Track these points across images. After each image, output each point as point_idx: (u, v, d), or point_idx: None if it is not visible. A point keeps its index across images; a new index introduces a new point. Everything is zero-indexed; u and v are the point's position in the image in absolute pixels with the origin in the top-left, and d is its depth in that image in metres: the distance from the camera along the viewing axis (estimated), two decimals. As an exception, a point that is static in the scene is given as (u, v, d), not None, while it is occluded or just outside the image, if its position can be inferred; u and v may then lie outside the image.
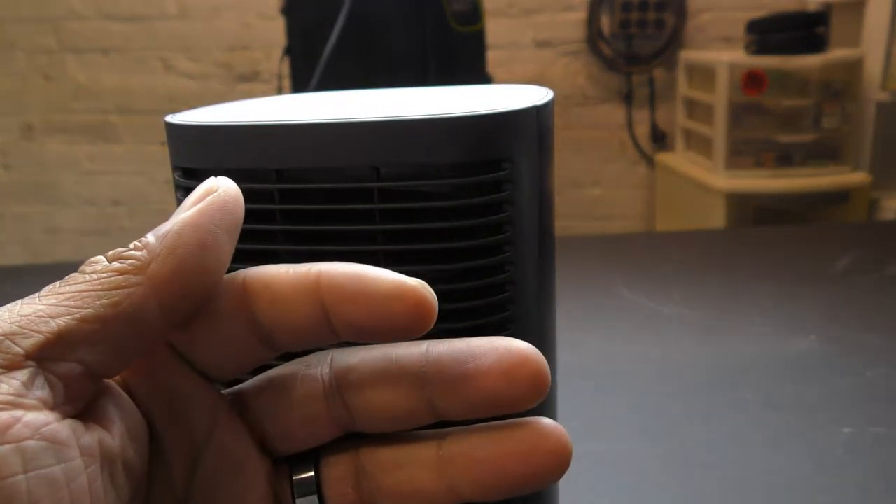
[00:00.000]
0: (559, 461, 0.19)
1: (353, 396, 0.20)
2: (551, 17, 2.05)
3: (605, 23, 2.04)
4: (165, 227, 0.18)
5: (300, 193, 0.25)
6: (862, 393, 0.54)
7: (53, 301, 0.17)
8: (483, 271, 0.25)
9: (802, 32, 1.68)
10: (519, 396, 0.18)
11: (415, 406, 0.19)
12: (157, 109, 2.12)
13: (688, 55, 1.95)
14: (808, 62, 1.66)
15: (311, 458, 0.21)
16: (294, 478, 0.20)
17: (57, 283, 0.17)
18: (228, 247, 0.18)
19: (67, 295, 0.17)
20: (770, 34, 1.69)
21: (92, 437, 0.16)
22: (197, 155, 0.26)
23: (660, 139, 2.11)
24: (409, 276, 0.26)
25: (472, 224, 0.25)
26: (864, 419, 0.50)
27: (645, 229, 2.17)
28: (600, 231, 2.18)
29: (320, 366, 0.20)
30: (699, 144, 1.88)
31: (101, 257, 0.18)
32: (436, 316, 0.19)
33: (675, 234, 1.02)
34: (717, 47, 2.03)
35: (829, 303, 0.70)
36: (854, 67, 1.69)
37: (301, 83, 1.15)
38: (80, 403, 0.17)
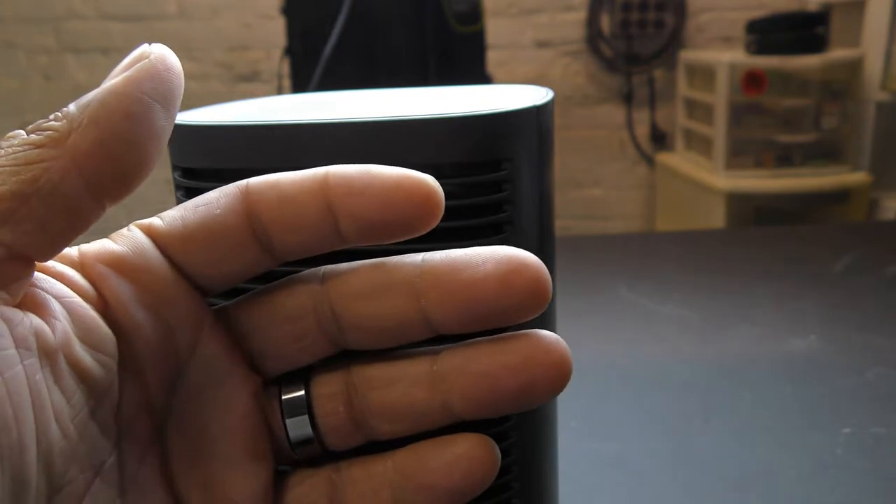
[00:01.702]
0: (557, 374, 0.18)
1: (345, 309, 0.19)
2: (551, 17, 2.05)
3: (605, 23, 2.04)
4: (89, 96, 0.17)
5: (300, 193, 0.25)
6: (862, 393, 0.54)
7: None
8: (483, 271, 0.25)
9: (802, 32, 1.69)
10: (517, 305, 0.17)
11: (409, 318, 0.18)
12: (157, 109, 2.12)
13: (688, 55, 1.95)
14: (808, 62, 1.66)
15: (302, 376, 0.20)
16: (283, 396, 0.20)
17: None
18: (163, 118, 0.17)
19: None
20: (770, 34, 1.69)
21: (26, 328, 0.15)
22: (197, 155, 0.26)
23: (660, 139, 2.11)
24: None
25: (472, 224, 0.25)
26: (864, 419, 0.50)
27: (645, 229, 2.17)
28: (600, 231, 2.18)
29: (311, 279, 0.20)
30: (699, 144, 1.88)
31: (20, 130, 0.16)
32: (442, 209, 0.18)
33: (675, 234, 1.02)
34: (717, 47, 2.03)
35: (829, 303, 0.70)
36: (854, 67, 1.69)
37: (301, 83, 1.15)
38: (14, 290, 0.16)
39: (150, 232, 0.19)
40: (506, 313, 0.18)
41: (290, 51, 1.18)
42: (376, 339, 0.19)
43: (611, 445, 0.49)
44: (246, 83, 2.11)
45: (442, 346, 0.19)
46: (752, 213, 1.72)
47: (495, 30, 1.93)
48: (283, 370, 0.20)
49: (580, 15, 2.04)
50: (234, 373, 0.19)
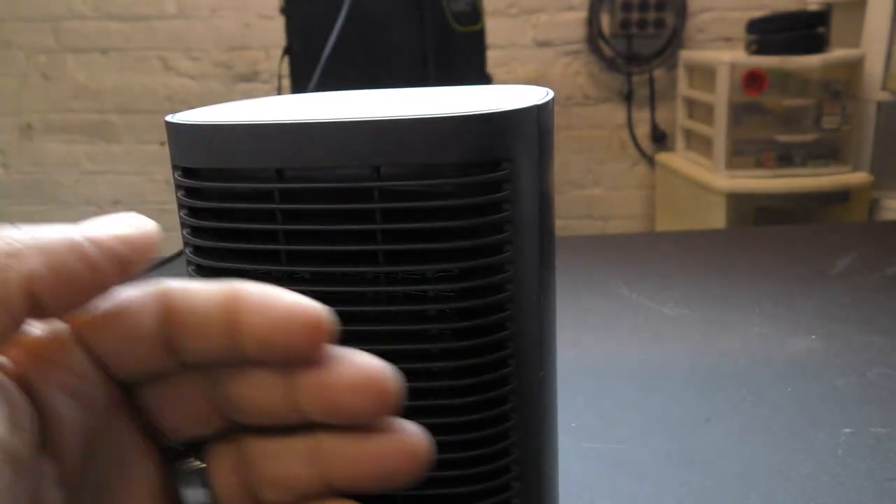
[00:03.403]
0: (409, 463, 0.20)
1: (234, 395, 0.20)
2: (551, 17, 2.05)
3: (605, 23, 2.04)
4: (66, 228, 0.18)
5: (300, 193, 0.25)
6: (862, 393, 0.54)
7: None
8: (483, 271, 0.25)
9: (802, 32, 1.68)
10: (368, 409, 0.19)
11: (287, 408, 0.20)
12: (157, 109, 2.13)
13: (688, 55, 1.95)
14: (808, 62, 1.66)
15: (198, 448, 0.21)
16: (181, 468, 0.21)
17: None
18: (115, 279, 0.19)
19: None
20: (770, 34, 1.69)
21: None
22: (197, 155, 0.26)
23: (660, 139, 2.11)
24: (408, 276, 0.26)
25: (472, 224, 0.25)
26: (864, 419, 0.50)
27: (645, 229, 2.17)
28: (600, 231, 2.18)
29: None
30: (699, 144, 1.88)
31: None
32: (328, 340, 0.20)
33: (675, 234, 1.02)
34: (717, 47, 2.03)
35: (829, 303, 0.70)
36: (854, 67, 1.69)
37: (301, 83, 1.14)
38: None
39: (68, 317, 0.20)
40: (359, 415, 0.20)
41: (289, 50, 1.18)
42: (263, 420, 0.21)
43: (611, 445, 0.49)
44: (245, 83, 2.11)
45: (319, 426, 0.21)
46: (753, 213, 1.72)
47: (495, 30, 1.93)
48: (181, 442, 0.21)
49: (580, 15, 2.04)
50: (140, 448, 0.21)
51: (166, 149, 0.27)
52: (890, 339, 0.62)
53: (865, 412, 0.51)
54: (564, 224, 2.14)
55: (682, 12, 2.01)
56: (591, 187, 2.17)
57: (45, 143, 2.20)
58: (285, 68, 1.20)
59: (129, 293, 0.20)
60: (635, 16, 2.01)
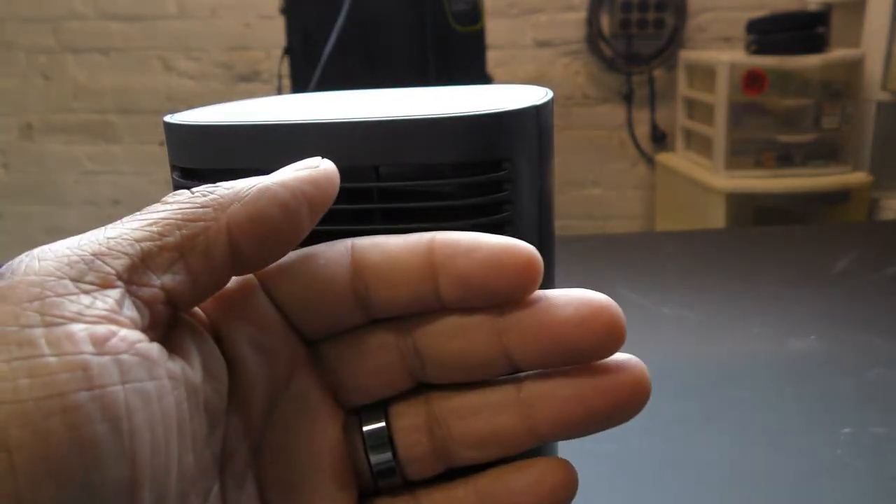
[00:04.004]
0: (641, 394, 0.19)
1: (428, 346, 0.20)
2: (551, 17, 2.05)
3: (605, 23, 2.04)
4: (257, 178, 0.18)
5: (300, 193, 0.25)
6: (862, 393, 0.54)
7: (137, 226, 0.17)
8: (483, 271, 0.25)
9: (802, 32, 1.69)
10: (595, 345, 0.18)
11: (491, 356, 0.19)
12: (157, 109, 2.13)
13: (688, 55, 1.95)
14: (808, 62, 1.66)
15: (381, 408, 0.21)
16: (365, 428, 0.21)
17: (138, 212, 0.18)
18: (308, 220, 0.19)
19: (150, 221, 0.17)
20: (770, 34, 1.69)
21: (175, 364, 0.17)
22: (196, 155, 0.26)
23: (660, 139, 2.11)
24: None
25: (472, 224, 0.25)
26: (864, 419, 0.50)
27: (645, 229, 2.17)
28: (600, 231, 2.18)
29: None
30: (699, 144, 1.88)
31: (186, 189, 0.18)
32: (541, 278, 0.19)
33: (675, 234, 1.02)
34: (717, 47, 2.03)
35: (829, 303, 0.70)
36: (854, 67, 1.69)
37: (301, 83, 1.15)
38: (161, 331, 0.17)
39: (259, 272, 0.20)
40: (584, 352, 0.19)
41: (289, 50, 1.18)
42: (458, 374, 0.20)
43: (610, 446, 0.49)
44: (246, 83, 2.11)
45: (523, 375, 0.20)
46: (752, 213, 1.72)
47: (495, 30, 1.93)
48: (364, 402, 0.21)
49: (580, 15, 2.04)
50: (322, 406, 0.20)
51: (166, 149, 0.27)
52: (890, 339, 0.62)
53: (865, 412, 0.51)
54: (564, 224, 2.14)
55: (682, 12, 2.01)
56: (591, 187, 2.17)
57: (45, 143, 2.20)
58: (285, 68, 1.20)
59: (317, 249, 0.20)
60: (635, 16, 2.01)
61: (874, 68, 1.71)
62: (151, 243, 0.17)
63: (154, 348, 0.16)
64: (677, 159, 1.98)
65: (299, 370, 0.20)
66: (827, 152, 1.72)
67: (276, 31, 1.71)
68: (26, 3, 2.09)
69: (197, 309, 0.19)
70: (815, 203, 1.75)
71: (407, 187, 0.25)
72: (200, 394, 0.17)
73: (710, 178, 1.74)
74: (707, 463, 0.46)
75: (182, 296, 0.17)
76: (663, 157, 2.05)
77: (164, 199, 0.18)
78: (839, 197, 1.71)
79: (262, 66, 2.10)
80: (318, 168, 0.19)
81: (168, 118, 0.27)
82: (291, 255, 0.20)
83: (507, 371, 0.20)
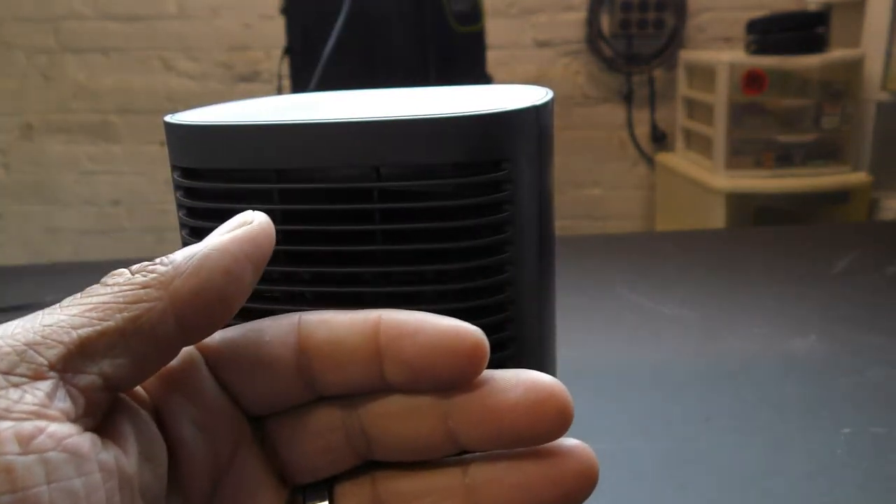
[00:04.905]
0: (588, 481, 0.19)
1: (375, 427, 0.20)
2: (551, 17, 2.05)
3: (605, 23, 2.04)
4: (195, 247, 0.18)
5: (300, 193, 0.25)
6: (862, 393, 0.54)
7: (75, 311, 0.17)
8: (483, 271, 0.25)
9: (802, 32, 1.68)
10: (544, 432, 0.18)
11: (437, 437, 0.19)
12: (157, 109, 2.12)
13: (688, 55, 1.95)
14: (808, 62, 1.66)
15: (325, 486, 0.20)
16: None
17: (78, 294, 0.17)
18: (251, 279, 0.18)
19: (89, 306, 0.17)
20: (770, 34, 1.69)
21: (109, 453, 0.16)
22: (196, 155, 0.26)
23: (660, 139, 2.11)
24: (408, 275, 0.26)
25: (472, 224, 0.25)
26: (864, 419, 0.50)
27: (645, 229, 2.17)
28: (600, 231, 2.18)
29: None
30: (699, 144, 1.88)
31: (125, 270, 0.18)
32: (487, 360, 0.18)
33: (675, 234, 1.02)
34: (717, 47, 2.03)
35: (829, 303, 0.70)
36: (854, 67, 1.69)
37: (301, 83, 1.15)
38: (98, 417, 0.17)
39: (203, 349, 0.20)
40: (531, 438, 0.18)
41: (289, 51, 1.18)
42: (404, 455, 0.20)
43: (611, 445, 0.49)
44: (246, 83, 2.11)
45: (469, 457, 0.20)
46: (752, 213, 1.72)
47: (495, 30, 1.93)
48: (309, 481, 0.21)
49: (580, 15, 2.04)
50: (266, 484, 0.20)
51: (166, 149, 0.27)
52: (890, 339, 0.62)
53: (865, 412, 0.51)
54: (564, 224, 2.14)
55: (681, 12, 2.01)
56: (591, 187, 2.17)
57: (45, 143, 2.19)
58: (285, 68, 1.20)
59: (263, 324, 0.20)
60: (635, 16, 2.01)
61: (874, 68, 1.70)
62: (90, 329, 0.16)
63: (85, 441, 0.16)
64: (677, 159, 1.98)
65: (243, 448, 0.20)
66: (827, 152, 1.72)
67: (276, 31, 1.71)
68: (26, 3, 2.09)
69: (138, 387, 0.19)
70: (815, 203, 1.75)
71: (407, 187, 0.25)
72: (136, 481, 0.17)
73: (710, 178, 1.74)
74: (707, 463, 0.46)
75: (122, 380, 0.17)
76: (663, 157, 2.05)
77: (103, 280, 0.18)
78: (839, 197, 1.71)
79: (262, 66, 2.10)
80: (253, 224, 0.19)
81: (168, 118, 0.27)
82: (237, 331, 0.20)
83: (454, 452, 0.19)
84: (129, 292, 0.17)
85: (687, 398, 0.54)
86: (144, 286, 0.17)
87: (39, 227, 2.24)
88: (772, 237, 0.94)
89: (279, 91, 1.30)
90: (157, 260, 0.18)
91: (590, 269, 0.82)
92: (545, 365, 0.28)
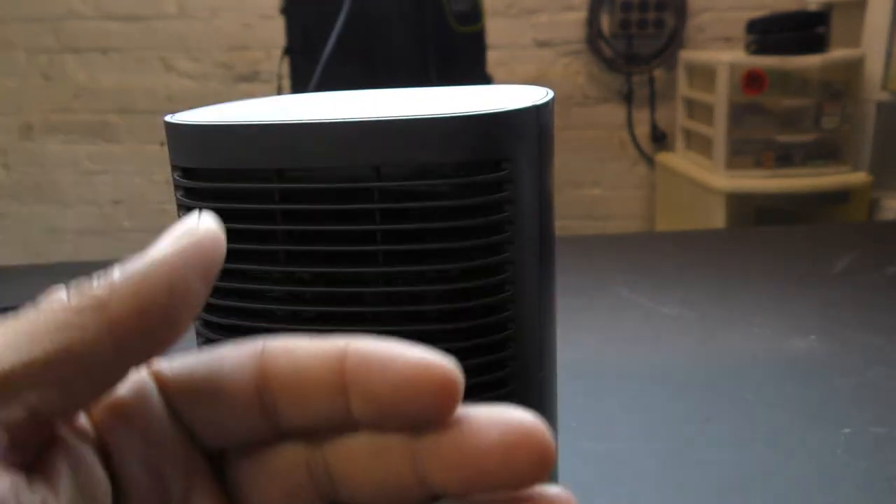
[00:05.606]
0: None
1: (339, 468, 0.18)
2: (551, 17, 2.05)
3: (605, 23, 2.04)
4: (134, 264, 0.16)
5: (300, 193, 0.25)
6: (862, 393, 0.54)
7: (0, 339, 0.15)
8: (483, 271, 0.25)
9: (802, 32, 1.68)
10: (520, 476, 0.17)
11: (406, 482, 0.17)
12: (157, 109, 2.12)
13: (688, 55, 1.95)
14: (808, 62, 1.66)
15: None
16: None
17: (9, 318, 0.16)
18: (200, 293, 0.17)
19: (16, 333, 0.15)
20: (770, 34, 1.69)
21: (35, 496, 0.15)
22: (196, 155, 0.26)
23: (660, 139, 2.11)
24: (409, 275, 0.26)
25: (472, 224, 0.25)
26: (864, 419, 0.50)
27: (645, 229, 2.17)
28: (600, 231, 2.17)
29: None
30: (699, 144, 1.88)
31: (62, 292, 0.16)
32: (461, 398, 0.17)
33: (675, 234, 1.02)
34: (717, 47, 2.03)
35: (829, 303, 0.70)
36: (854, 67, 1.69)
37: (301, 83, 1.14)
38: (29, 453, 0.16)
39: (157, 377, 0.18)
40: (509, 483, 0.17)
41: (289, 51, 1.18)
42: (371, 499, 0.18)
43: (611, 445, 0.49)
44: (246, 83, 2.11)
45: (442, 502, 0.18)
46: (752, 213, 1.72)
47: (495, 30, 1.93)
48: None
49: (580, 15, 2.04)
50: None
51: (166, 149, 0.27)
52: (890, 339, 0.62)
53: (865, 412, 0.51)
54: (564, 224, 2.14)
55: (682, 12, 2.01)
56: (591, 187, 2.17)
57: (45, 143, 2.19)
58: (285, 68, 1.20)
59: (223, 352, 0.18)
60: (635, 16, 2.01)
61: (874, 68, 1.70)
62: (16, 358, 0.15)
63: (4, 485, 0.14)
64: (677, 159, 1.98)
65: (197, 486, 0.18)
66: (827, 152, 1.72)
67: (276, 31, 1.71)
68: (26, 3, 2.09)
69: (83, 419, 0.17)
70: (815, 203, 1.74)
71: (407, 187, 0.25)
72: None
73: (710, 178, 1.74)
74: (707, 462, 0.46)
75: (53, 413, 0.16)
76: (663, 157, 2.05)
77: (38, 301, 0.16)
78: (839, 197, 1.71)
79: (262, 66, 2.10)
80: (198, 231, 0.17)
81: (169, 118, 0.27)
82: (195, 358, 0.18)
83: (426, 497, 0.18)
84: (60, 317, 0.16)
85: (687, 398, 0.54)
86: (78, 310, 0.16)
87: (39, 227, 2.24)
88: (772, 237, 0.94)
89: (279, 91, 1.30)
90: (94, 282, 0.16)
91: (590, 269, 0.82)
92: (545, 364, 0.28)
